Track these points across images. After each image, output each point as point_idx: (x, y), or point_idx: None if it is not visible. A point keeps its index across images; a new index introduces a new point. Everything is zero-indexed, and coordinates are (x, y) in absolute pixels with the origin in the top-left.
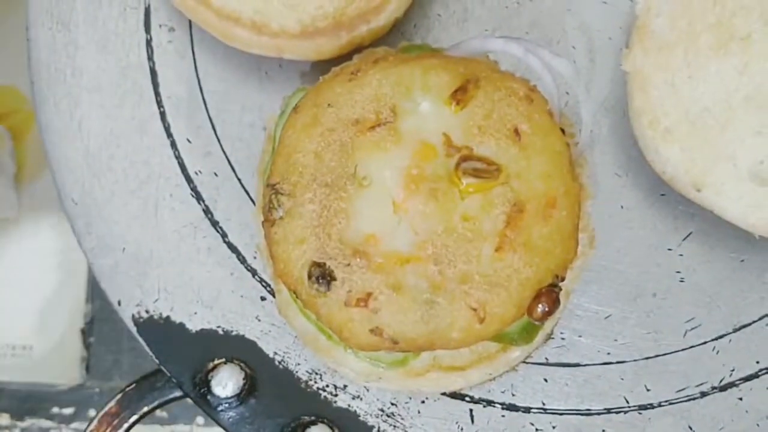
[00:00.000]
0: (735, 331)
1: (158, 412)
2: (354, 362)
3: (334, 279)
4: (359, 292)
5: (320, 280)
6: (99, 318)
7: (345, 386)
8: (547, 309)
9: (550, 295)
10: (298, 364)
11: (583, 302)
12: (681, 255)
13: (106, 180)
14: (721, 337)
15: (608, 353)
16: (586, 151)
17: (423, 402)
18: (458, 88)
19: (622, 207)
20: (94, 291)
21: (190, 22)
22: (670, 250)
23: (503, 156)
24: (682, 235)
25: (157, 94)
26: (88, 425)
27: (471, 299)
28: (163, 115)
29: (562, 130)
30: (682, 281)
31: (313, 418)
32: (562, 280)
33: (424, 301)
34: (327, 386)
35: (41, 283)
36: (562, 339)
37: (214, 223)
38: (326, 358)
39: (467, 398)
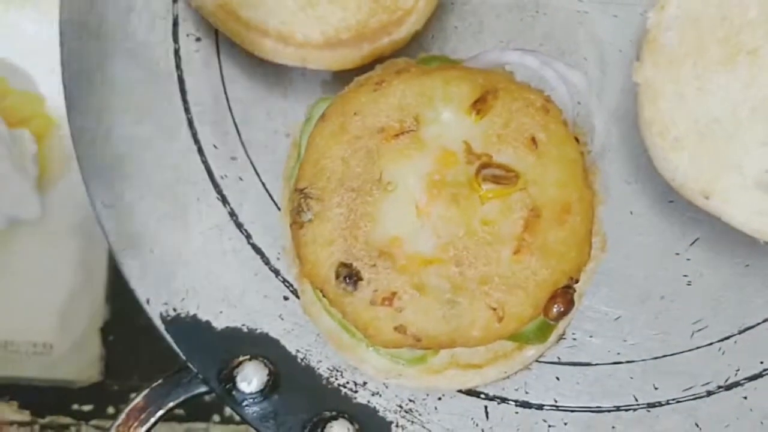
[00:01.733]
0: (740, 332)
1: (175, 410)
2: (375, 359)
3: (361, 279)
4: (384, 291)
5: (347, 280)
6: (118, 317)
7: (365, 383)
8: (562, 309)
9: (565, 296)
10: (320, 361)
11: (594, 304)
12: (688, 259)
13: (135, 184)
14: (726, 338)
15: (618, 353)
16: (598, 160)
17: (440, 399)
18: (478, 98)
19: (631, 213)
20: (114, 291)
21: (216, 32)
22: (677, 254)
23: (521, 163)
24: (689, 241)
25: (184, 101)
26: (115, 420)
27: (491, 299)
28: (190, 121)
29: (576, 139)
30: (689, 284)
31: (334, 413)
32: (577, 282)
33: (446, 300)
34: (347, 383)
35: (62, 283)
36: (574, 339)
37: (239, 226)
38: (348, 356)
39: (482, 395)
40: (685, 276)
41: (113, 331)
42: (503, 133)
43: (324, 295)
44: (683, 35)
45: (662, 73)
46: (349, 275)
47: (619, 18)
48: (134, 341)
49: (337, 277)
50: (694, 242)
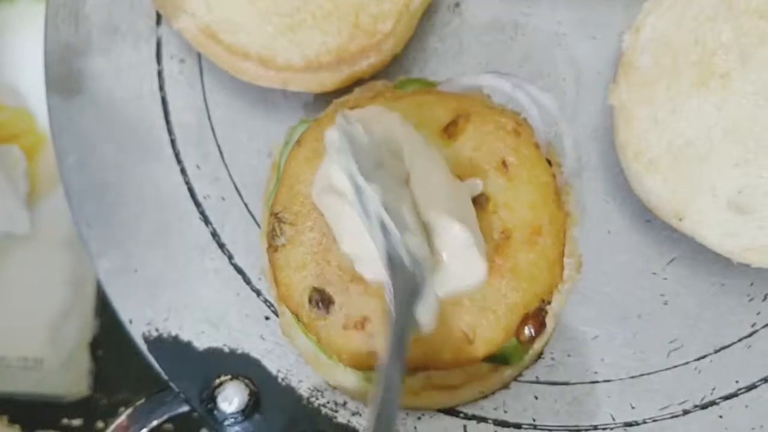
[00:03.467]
0: (716, 352)
1: (164, 425)
2: (352, 380)
3: (333, 303)
4: (356, 315)
5: (320, 305)
6: (107, 332)
7: (345, 403)
8: (534, 331)
9: (536, 318)
10: (300, 381)
11: (572, 323)
12: (665, 279)
13: (119, 205)
14: (702, 357)
15: (596, 372)
16: (572, 180)
17: (419, 418)
18: (450, 122)
19: (609, 232)
20: (103, 305)
21: (199, 54)
22: (654, 274)
23: (491, 186)
24: (666, 260)
25: (168, 122)
26: None
27: (461, 322)
28: (173, 142)
29: (549, 161)
30: (666, 304)
31: None
32: (549, 303)
33: None
34: (328, 402)
35: (52, 298)
36: (552, 359)
37: (221, 246)
38: (327, 376)
39: (461, 414)
40: (662, 295)
41: (102, 345)
42: (474, 156)
43: (298, 319)
44: (657, 58)
45: (636, 96)
46: (322, 300)
47: (596, 40)
48: (123, 356)
49: (310, 301)
50: (671, 261)
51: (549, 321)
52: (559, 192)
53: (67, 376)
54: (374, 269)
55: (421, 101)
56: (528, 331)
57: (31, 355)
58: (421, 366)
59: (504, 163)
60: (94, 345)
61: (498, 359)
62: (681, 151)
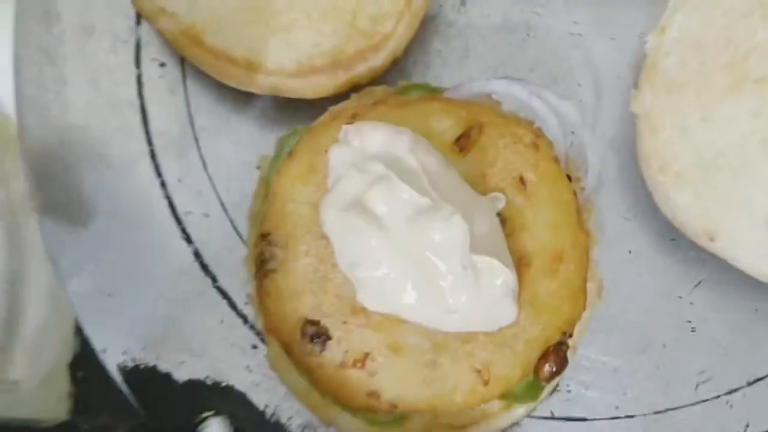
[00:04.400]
0: (749, 384)
1: None
2: (349, 421)
3: (330, 338)
4: (356, 352)
5: (315, 339)
6: (88, 352)
7: None
8: (554, 368)
9: (557, 353)
10: (290, 417)
11: (591, 353)
12: (692, 303)
13: (92, 222)
14: (734, 390)
15: (617, 407)
16: (593, 196)
17: None
18: (462, 133)
19: (630, 252)
20: None
21: (182, 57)
22: (680, 298)
23: (508, 206)
24: (693, 282)
25: (146, 131)
26: None
27: (475, 360)
28: (152, 153)
29: (569, 177)
30: (693, 331)
31: None
32: (570, 336)
33: (425, 362)
34: None
35: (30, 317)
36: (568, 392)
37: (204, 267)
38: (320, 416)
39: None
40: (688, 322)
41: (82, 366)
42: (489, 172)
43: (289, 354)
44: (685, 61)
45: (662, 102)
46: (317, 334)
47: (616, 41)
48: (105, 378)
49: (303, 335)
50: (698, 284)
51: (568, 354)
52: (581, 210)
53: (44, 398)
54: (382, 298)
55: (427, 110)
56: (548, 367)
57: (8, 376)
58: (428, 409)
59: (522, 180)
60: (74, 366)
61: (510, 398)
62: (712, 163)
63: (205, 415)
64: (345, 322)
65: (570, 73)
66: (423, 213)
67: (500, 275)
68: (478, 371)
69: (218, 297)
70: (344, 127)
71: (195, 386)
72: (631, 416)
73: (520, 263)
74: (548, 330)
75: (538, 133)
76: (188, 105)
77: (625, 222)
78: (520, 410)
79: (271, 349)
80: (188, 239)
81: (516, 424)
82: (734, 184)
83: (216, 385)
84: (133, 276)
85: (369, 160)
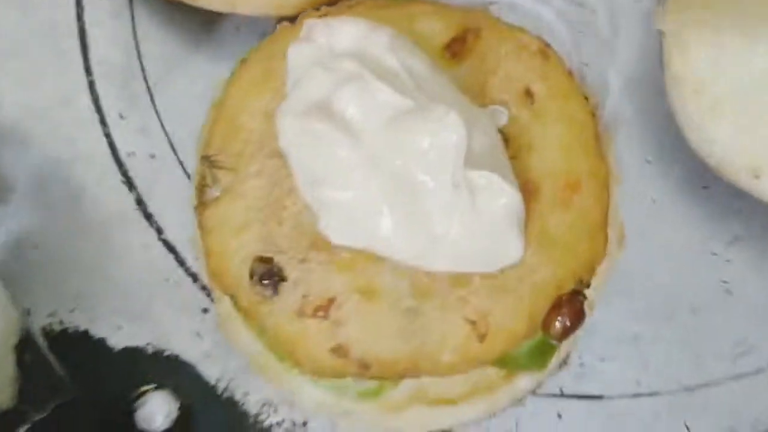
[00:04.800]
0: None
1: None
2: (313, 392)
3: (284, 279)
4: (318, 297)
5: (265, 281)
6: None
7: (305, 423)
8: (568, 323)
9: (572, 304)
10: (247, 393)
11: (607, 318)
12: (728, 261)
13: (19, 161)
14: None
15: (638, 382)
16: (611, 127)
17: None
18: (455, 37)
19: (653, 201)
20: None
21: None
22: (714, 254)
23: (512, 122)
24: (729, 237)
25: (86, 59)
26: None
27: (468, 309)
28: (92, 85)
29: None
30: (729, 294)
31: None
32: (587, 286)
33: (405, 310)
34: (282, 422)
35: None
36: (581, 365)
37: (148, 216)
38: (279, 386)
39: None
40: (723, 282)
41: (30, 349)
42: (488, 82)
43: (236, 304)
44: None
45: (694, 17)
46: (269, 274)
47: None
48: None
49: (252, 276)
50: (735, 239)
51: (585, 310)
52: (599, 137)
53: None
54: (351, 227)
55: (413, 12)
56: (560, 321)
57: None
58: (409, 371)
59: (528, 93)
60: (20, 348)
61: (512, 363)
62: (758, 86)
63: (144, 388)
64: (304, 260)
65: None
66: (406, 115)
67: (503, 195)
68: (473, 322)
69: (164, 251)
70: (308, 21)
71: (134, 355)
72: (655, 393)
73: (525, 191)
74: (561, 273)
75: (547, 44)
76: (135, 30)
77: (648, 166)
78: (523, 382)
79: (221, 306)
80: (130, 184)
81: (519, 402)
82: None
83: (158, 353)
84: (65, 225)
85: (337, 58)
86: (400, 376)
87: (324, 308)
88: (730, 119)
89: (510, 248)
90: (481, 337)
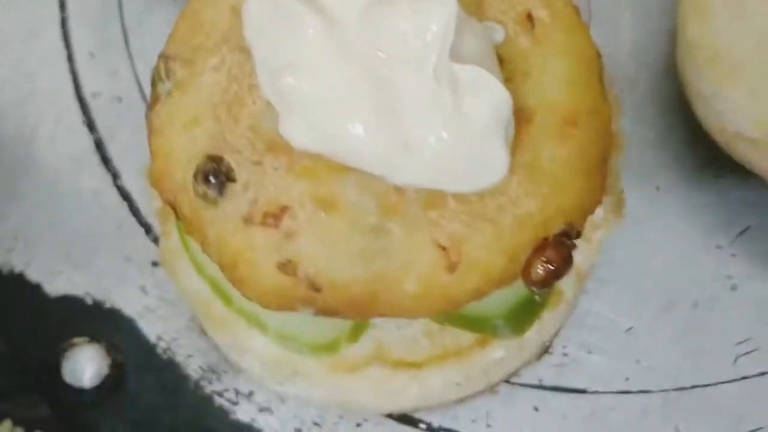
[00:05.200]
0: None
1: None
2: (260, 344)
3: (233, 180)
4: (269, 203)
5: (211, 180)
6: None
7: (251, 393)
8: (552, 268)
9: (558, 248)
10: (190, 356)
11: (597, 307)
12: (734, 255)
13: None
14: None
15: (627, 378)
16: (621, 91)
17: (359, 425)
18: None
19: (658, 188)
20: None
21: None
22: (719, 247)
23: (509, 44)
24: (737, 229)
25: None
26: None
27: (440, 232)
28: (64, 21)
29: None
30: (734, 289)
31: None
32: (578, 235)
33: (367, 227)
34: (226, 390)
35: None
36: (564, 355)
37: (106, 161)
38: (222, 337)
39: (421, 425)
40: (729, 277)
41: None
42: (486, 1)
43: (178, 215)
44: None
45: None
46: (216, 172)
47: None
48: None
49: (196, 176)
50: (743, 231)
51: (572, 286)
52: (604, 78)
53: None
54: (316, 126)
55: None
56: (543, 267)
57: None
58: (365, 299)
59: (530, 18)
60: None
61: (487, 320)
62: None
63: (75, 340)
64: (258, 163)
65: None
66: None
67: (490, 93)
68: (443, 248)
69: (118, 198)
70: None
71: (70, 304)
72: (647, 391)
73: (517, 118)
74: (548, 210)
75: None
76: None
77: (654, 152)
78: (498, 353)
79: (166, 242)
80: (90, 125)
81: (492, 389)
82: None
83: (97, 305)
84: (14, 161)
85: None
86: (356, 309)
87: (275, 216)
88: (746, 86)
89: (494, 161)
90: (452, 267)
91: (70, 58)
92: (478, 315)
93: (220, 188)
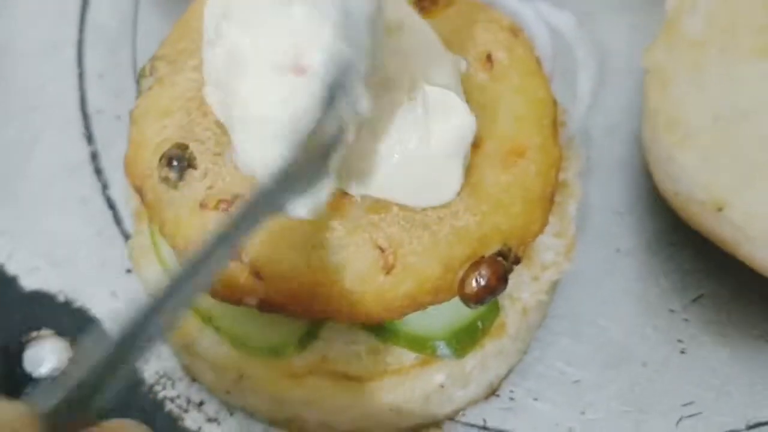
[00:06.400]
0: (748, 429)
1: None
2: (212, 343)
3: (194, 167)
4: (223, 191)
5: (174, 164)
6: None
7: (202, 402)
8: (484, 283)
9: (493, 265)
10: (147, 361)
11: (548, 356)
12: (686, 320)
13: None
14: None
15: (570, 429)
16: (579, 143)
17: None
18: None
19: (618, 251)
20: None
21: None
22: (672, 311)
23: (467, 78)
24: (690, 296)
25: (82, 20)
26: None
27: (379, 233)
28: (80, 43)
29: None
30: (683, 353)
31: None
32: (516, 261)
33: (311, 221)
34: (177, 397)
35: None
36: (511, 399)
37: (98, 171)
38: (179, 337)
39: None
40: (679, 341)
41: None
42: (451, 39)
43: (143, 199)
44: (711, 20)
45: (678, 57)
46: (179, 158)
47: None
48: None
49: (161, 159)
50: (696, 299)
51: (516, 320)
52: (557, 124)
53: None
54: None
55: None
56: (477, 281)
57: None
58: (304, 291)
59: (489, 58)
60: None
61: (428, 345)
62: (731, 125)
63: (41, 333)
64: (219, 154)
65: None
66: None
67: (457, 116)
68: (381, 250)
69: (104, 206)
70: None
71: (42, 299)
72: None
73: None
74: (485, 228)
75: (520, 27)
76: (137, 5)
77: (617, 217)
78: (438, 376)
79: (137, 239)
80: (89, 138)
81: (438, 427)
82: (757, 150)
83: (67, 304)
84: (14, 162)
85: None
86: (297, 303)
87: (227, 203)
88: (699, 153)
89: (450, 181)
90: (388, 269)
91: (81, 76)
92: (420, 334)
93: (181, 173)
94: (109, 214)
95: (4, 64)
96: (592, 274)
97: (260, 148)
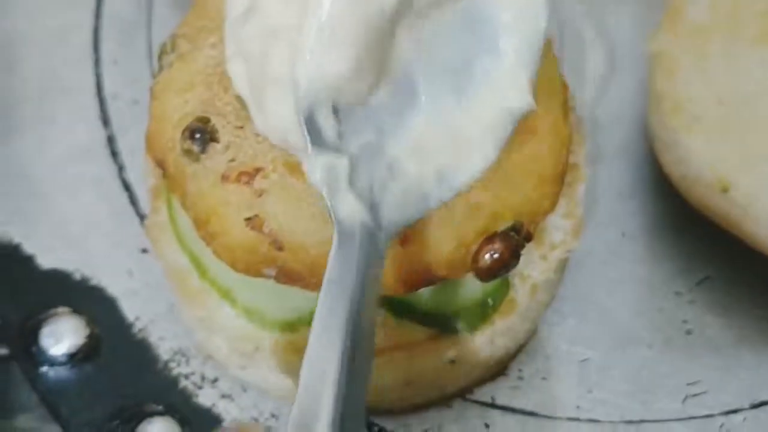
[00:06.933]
0: (752, 407)
1: None
2: (228, 318)
3: (216, 140)
4: (245, 163)
5: (196, 137)
6: None
7: (216, 379)
8: (497, 257)
9: (506, 240)
10: (162, 338)
11: (556, 337)
12: (692, 302)
13: (5, 80)
14: (732, 412)
15: (577, 406)
16: (587, 126)
17: None
18: None
19: (623, 235)
20: None
21: None
22: (678, 294)
23: None
24: (696, 278)
25: (98, 5)
26: None
27: None
28: (96, 30)
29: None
30: (689, 333)
31: (160, 408)
32: (528, 237)
33: None
34: (192, 374)
35: None
36: (519, 378)
37: (115, 154)
38: (195, 310)
39: (375, 428)
40: (684, 322)
41: None
42: None
43: (165, 173)
44: (714, 7)
45: (683, 44)
46: (201, 131)
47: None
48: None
49: (184, 132)
50: (702, 281)
51: (526, 297)
52: (568, 107)
53: None
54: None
55: None
56: (490, 255)
57: None
58: (322, 267)
59: None
60: None
61: (441, 318)
62: (735, 110)
63: (58, 310)
64: (241, 127)
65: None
66: None
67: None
68: None
69: (120, 188)
70: None
71: (59, 277)
72: (595, 421)
73: None
74: (497, 204)
75: None
76: None
77: (622, 201)
78: (449, 352)
79: (154, 217)
80: (106, 121)
81: (447, 404)
82: (760, 135)
83: (84, 281)
84: (31, 144)
85: None
86: (316, 275)
87: (249, 175)
88: (704, 135)
89: (479, 154)
90: (404, 240)
91: (97, 62)
92: (432, 309)
93: (203, 146)
94: (124, 195)
95: (21, 49)
96: (598, 257)
97: (291, 111)
